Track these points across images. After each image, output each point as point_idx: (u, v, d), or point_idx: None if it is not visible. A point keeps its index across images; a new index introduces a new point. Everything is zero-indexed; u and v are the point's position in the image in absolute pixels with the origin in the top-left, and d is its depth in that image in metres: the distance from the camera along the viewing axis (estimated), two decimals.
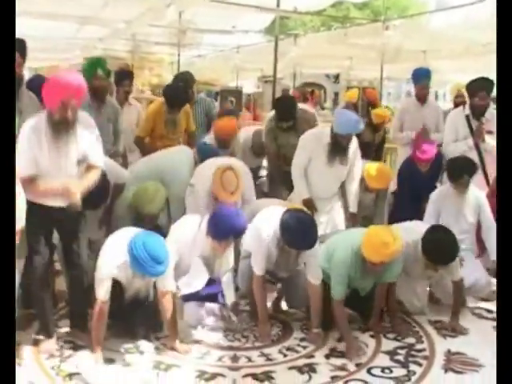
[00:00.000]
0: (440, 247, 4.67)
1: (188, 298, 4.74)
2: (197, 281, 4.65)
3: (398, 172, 6.60)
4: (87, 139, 4.21)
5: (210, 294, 4.82)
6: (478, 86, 6.23)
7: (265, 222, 4.70)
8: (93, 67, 5.70)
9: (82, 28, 12.06)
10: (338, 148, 5.59)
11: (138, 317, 4.49)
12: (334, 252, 4.70)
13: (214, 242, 4.52)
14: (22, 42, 4.54)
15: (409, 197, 6.17)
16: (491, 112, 6.14)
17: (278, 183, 6.57)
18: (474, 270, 5.48)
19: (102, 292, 4.13)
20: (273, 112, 6.64)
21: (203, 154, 5.76)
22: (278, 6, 8.22)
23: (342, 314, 4.60)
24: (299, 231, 4.41)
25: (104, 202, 4.96)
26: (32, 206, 3.92)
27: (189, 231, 4.64)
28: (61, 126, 4.03)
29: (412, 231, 4.95)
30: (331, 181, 5.82)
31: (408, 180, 6.27)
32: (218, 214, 4.53)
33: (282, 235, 4.48)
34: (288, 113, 6.28)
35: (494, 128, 5.87)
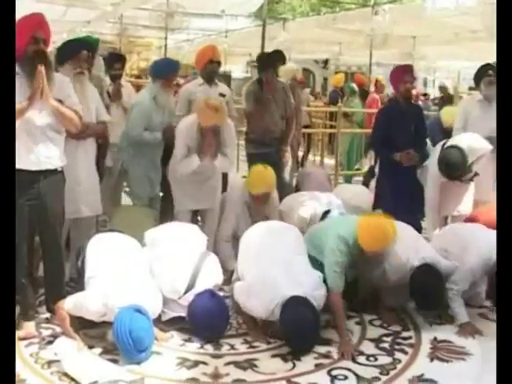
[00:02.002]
0: (427, 293, 4.57)
1: None
2: None
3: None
4: (64, 87, 4.31)
5: None
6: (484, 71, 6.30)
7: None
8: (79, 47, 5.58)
9: (69, 10, 11.92)
10: None
11: None
12: (326, 243, 4.61)
13: None
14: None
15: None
16: None
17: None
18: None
19: (74, 314, 4.08)
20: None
21: None
22: None
23: (340, 305, 4.48)
24: None
25: None
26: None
27: None
28: (38, 60, 4.02)
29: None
30: None
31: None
32: None
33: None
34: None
35: None
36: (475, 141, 5.69)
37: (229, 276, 4.99)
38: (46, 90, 4.00)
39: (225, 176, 6.26)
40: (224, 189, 6.14)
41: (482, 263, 4.60)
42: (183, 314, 4.40)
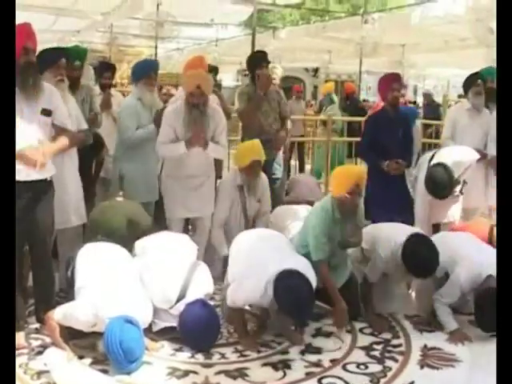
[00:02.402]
0: (419, 261, 4.60)
1: None
2: None
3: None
4: (53, 98, 4.30)
5: None
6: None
7: None
8: (71, 57, 5.61)
9: (58, 20, 11.93)
10: None
11: None
12: (308, 223, 4.82)
13: None
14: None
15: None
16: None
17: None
18: None
19: (64, 323, 4.06)
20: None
21: None
22: None
23: (328, 275, 4.65)
24: None
25: None
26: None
27: None
28: (29, 71, 4.06)
29: (395, 235, 4.86)
30: None
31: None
32: None
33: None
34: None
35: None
36: (460, 153, 5.83)
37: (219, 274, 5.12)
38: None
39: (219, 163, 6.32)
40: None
41: (471, 279, 4.61)
42: (174, 323, 4.39)
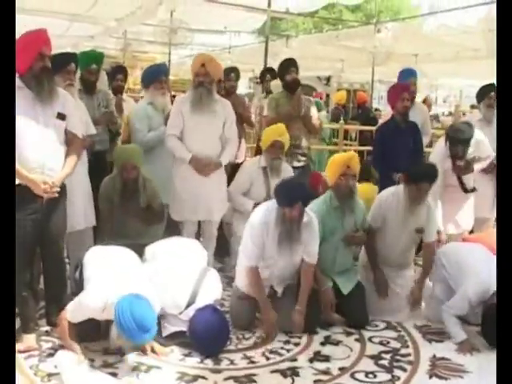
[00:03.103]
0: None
1: None
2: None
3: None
4: (67, 104, 4.33)
5: None
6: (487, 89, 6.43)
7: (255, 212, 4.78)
8: (88, 61, 5.76)
9: (73, 25, 12.02)
10: None
11: None
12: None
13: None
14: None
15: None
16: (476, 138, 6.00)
17: None
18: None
19: (74, 319, 4.06)
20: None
21: None
22: (269, 6, 8.20)
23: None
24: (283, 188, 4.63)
25: None
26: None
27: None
28: (44, 77, 4.10)
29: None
30: None
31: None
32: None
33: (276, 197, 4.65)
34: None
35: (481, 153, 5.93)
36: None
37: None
38: None
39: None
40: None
41: (480, 293, 4.59)
42: (184, 328, 4.42)
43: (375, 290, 5.12)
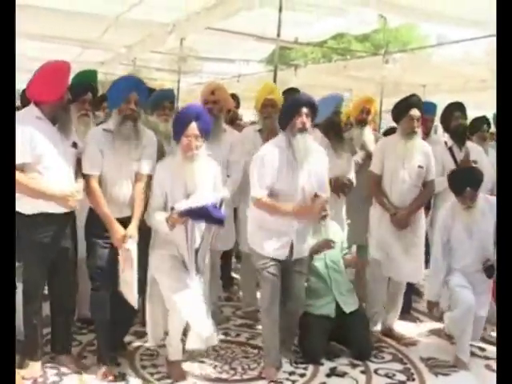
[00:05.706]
0: None
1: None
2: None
3: None
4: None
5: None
6: (452, 108, 6.39)
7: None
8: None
9: (84, 52, 12.13)
10: None
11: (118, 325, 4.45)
12: None
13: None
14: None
15: None
16: (471, 145, 6.15)
17: None
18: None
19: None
20: None
21: None
22: (278, 35, 8.25)
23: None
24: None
25: None
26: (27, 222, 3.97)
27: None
28: (69, 110, 4.27)
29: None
30: None
31: None
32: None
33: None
34: None
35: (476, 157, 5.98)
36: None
37: None
38: None
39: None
40: None
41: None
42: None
43: (394, 226, 5.21)
